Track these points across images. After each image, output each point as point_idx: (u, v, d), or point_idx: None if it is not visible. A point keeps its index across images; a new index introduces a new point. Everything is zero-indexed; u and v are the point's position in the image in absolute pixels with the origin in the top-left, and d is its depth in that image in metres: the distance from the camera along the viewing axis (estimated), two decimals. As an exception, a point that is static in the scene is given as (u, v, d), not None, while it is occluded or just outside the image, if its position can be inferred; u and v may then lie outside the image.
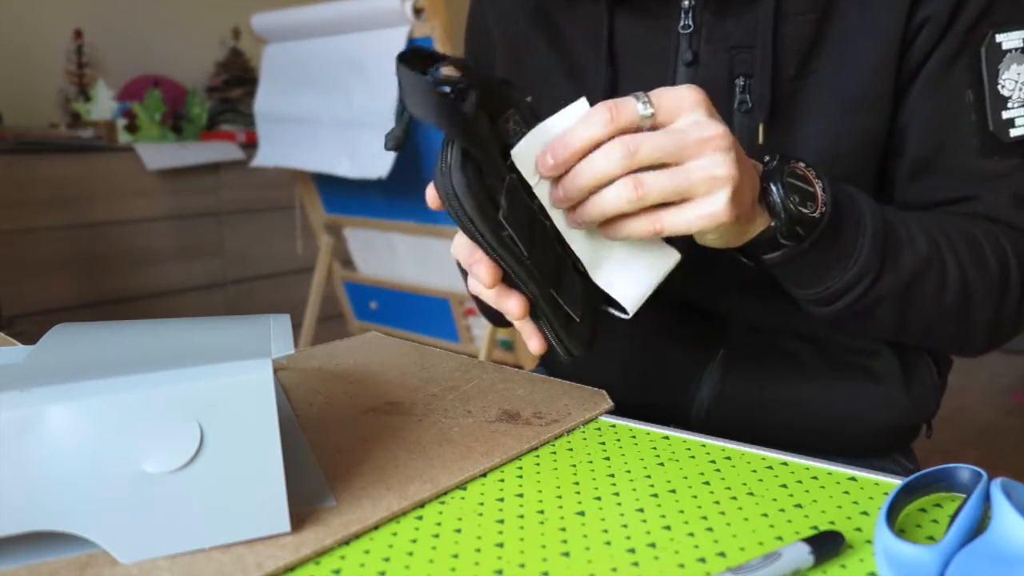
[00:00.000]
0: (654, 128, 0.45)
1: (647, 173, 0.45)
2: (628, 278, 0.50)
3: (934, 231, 0.58)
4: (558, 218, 0.49)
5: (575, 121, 0.46)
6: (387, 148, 0.46)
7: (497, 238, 0.45)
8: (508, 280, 0.49)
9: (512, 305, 0.49)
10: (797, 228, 0.51)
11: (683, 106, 0.45)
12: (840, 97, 0.61)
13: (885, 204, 0.63)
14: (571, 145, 0.45)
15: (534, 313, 0.50)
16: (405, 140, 0.46)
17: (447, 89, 0.45)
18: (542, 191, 0.48)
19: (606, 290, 0.50)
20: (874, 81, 0.60)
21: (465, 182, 0.44)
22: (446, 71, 0.45)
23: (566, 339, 0.51)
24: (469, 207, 0.44)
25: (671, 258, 0.50)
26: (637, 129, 0.45)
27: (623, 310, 0.51)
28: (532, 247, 0.47)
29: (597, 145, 0.45)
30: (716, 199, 0.45)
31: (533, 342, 0.52)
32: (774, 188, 0.50)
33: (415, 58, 0.45)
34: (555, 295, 0.49)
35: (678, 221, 0.46)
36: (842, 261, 0.54)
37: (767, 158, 0.52)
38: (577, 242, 0.49)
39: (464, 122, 0.43)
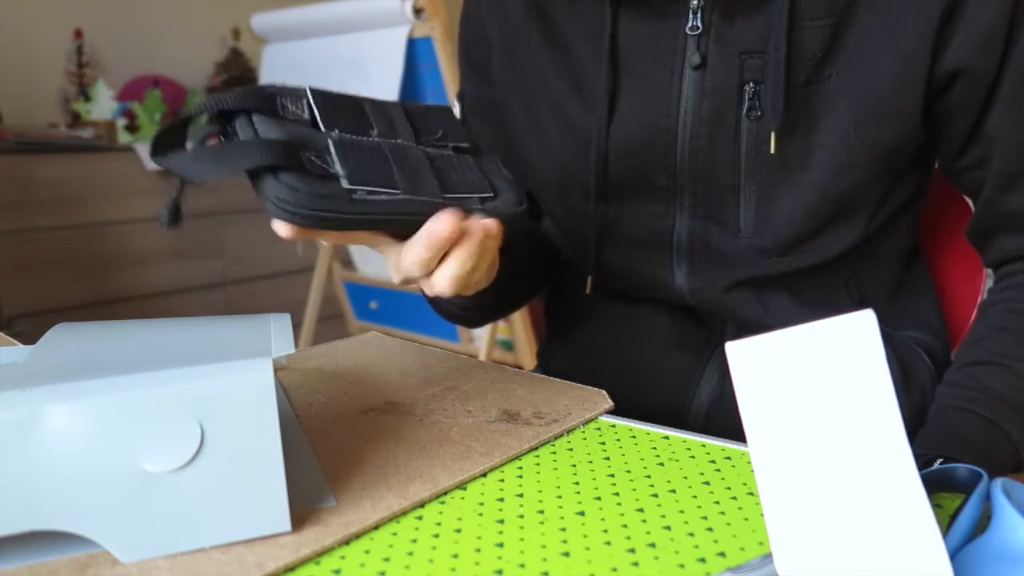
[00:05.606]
0: None
1: None
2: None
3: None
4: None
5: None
6: (170, 224, 0.46)
7: (353, 206, 0.45)
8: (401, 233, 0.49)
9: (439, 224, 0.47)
10: None
11: None
12: (855, 107, 0.59)
13: (889, 210, 0.65)
14: None
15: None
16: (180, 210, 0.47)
17: (213, 131, 0.46)
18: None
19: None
20: (893, 93, 0.58)
21: (289, 191, 0.43)
22: (200, 121, 0.47)
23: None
24: (313, 205, 0.44)
25: None
26: None
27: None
28: (394, 174, 0.47)
29: None
30: None
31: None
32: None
33: (169, 136, 0.46)
34: (452, 196, 0.49)
35: None
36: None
37: None
38: None
39: (254, 146, 0.44)
